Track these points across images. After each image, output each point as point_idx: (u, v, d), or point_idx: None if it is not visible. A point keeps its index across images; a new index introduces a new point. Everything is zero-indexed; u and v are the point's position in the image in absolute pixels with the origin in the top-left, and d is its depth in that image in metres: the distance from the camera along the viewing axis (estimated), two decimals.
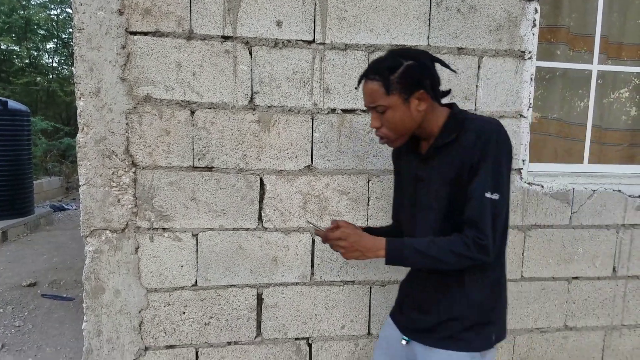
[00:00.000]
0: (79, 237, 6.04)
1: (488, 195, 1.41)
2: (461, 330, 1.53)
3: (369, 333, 2.35)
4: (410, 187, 1.62)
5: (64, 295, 4.25)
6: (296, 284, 2.26)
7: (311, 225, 1.71)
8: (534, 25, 2.32)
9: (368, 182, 2.26)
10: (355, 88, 1.63)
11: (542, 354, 2.53)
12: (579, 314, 2.54)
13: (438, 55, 2.22)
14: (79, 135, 2.02)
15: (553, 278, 2.49)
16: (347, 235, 1.51)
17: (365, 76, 1.51)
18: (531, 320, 2.49)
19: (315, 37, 2.15)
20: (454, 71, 1.73)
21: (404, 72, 1.45)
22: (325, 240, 1.57)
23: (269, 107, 2.15)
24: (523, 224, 2.41)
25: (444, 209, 1.51)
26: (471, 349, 1.52)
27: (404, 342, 1.65)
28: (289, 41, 2.13)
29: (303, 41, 2.14)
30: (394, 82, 1.45)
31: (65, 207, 8.33)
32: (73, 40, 2.00)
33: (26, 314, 3.87)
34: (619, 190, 2.50)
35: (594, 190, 2.47)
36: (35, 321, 3.76)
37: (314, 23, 2.14)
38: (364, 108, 2.21)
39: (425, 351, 1.58)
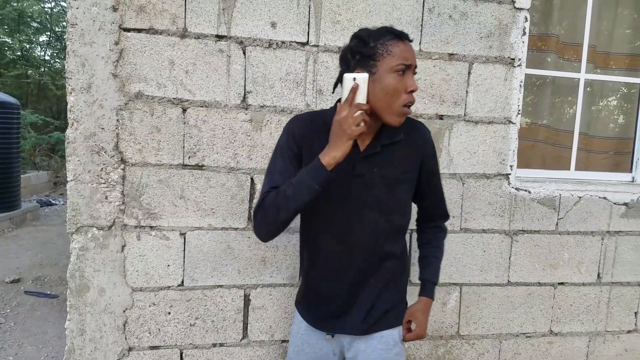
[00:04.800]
0: (66, 233, 5.94)
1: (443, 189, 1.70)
2: (399, 306, 1.65)
3: None
4: (343, 183, 1.48)
5: (48, 292, 4.21)
6: (284, 285, 2.26)
7: None
8: (524, 34, 2.34)
9: None
10: (411, 41, 1.49)
11: (527, 359, 2.55)
12: (564, 320, 2.57)
13: (429, 61, 2.25)
14: (68, 131, 2.01)
15: (539, 283, 2.51)
16: None
17: (406, 37, 1.44)
18: (517, 325, 2.52)
19: (309, 39, 2.16)
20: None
21: None
22: None
23: (261, 107, 2.15)
24: (510, 229, 2.43)
25: (386, 207, 1.50)
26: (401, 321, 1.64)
27: (328, 336, 1.60)
28: (283, 42, 2.14)
29: (297, 43, 2.15)
30: None
31: (53, 202, 8.25)
32: (66, 35, 1.99)
33: (8, 311, 3.81)
34: (605, 198, 2.53)
35: (580, 197, 2.50)
36: (17, 318, 3.70)
37: (308, 25, 2.15)
38: None
39: (360, 338, 1.58)
